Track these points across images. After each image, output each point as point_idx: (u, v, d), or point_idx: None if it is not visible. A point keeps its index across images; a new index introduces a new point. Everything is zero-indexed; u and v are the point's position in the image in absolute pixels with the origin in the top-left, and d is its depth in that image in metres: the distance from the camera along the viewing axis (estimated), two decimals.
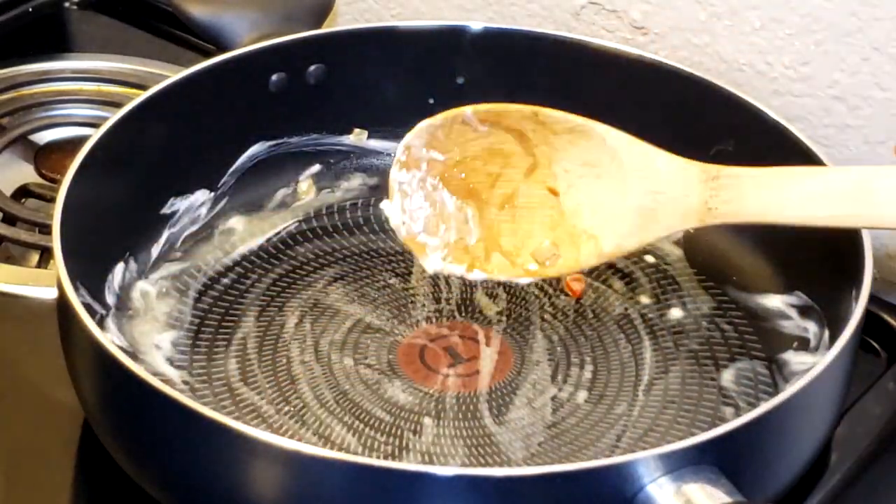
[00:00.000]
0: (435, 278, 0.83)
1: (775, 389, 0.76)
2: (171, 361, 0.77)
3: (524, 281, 0.75)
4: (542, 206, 0.74)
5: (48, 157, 0.97)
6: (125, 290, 0.80)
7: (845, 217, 0.69)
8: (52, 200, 0.80)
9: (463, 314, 0.81)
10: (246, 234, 0.86)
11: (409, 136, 0.74)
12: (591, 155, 0.72)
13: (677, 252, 0.86)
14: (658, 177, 0.70)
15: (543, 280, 0.84)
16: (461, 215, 0.74)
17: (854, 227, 0.72)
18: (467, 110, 0.73)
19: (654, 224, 0.70)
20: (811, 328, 0.79)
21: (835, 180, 0.69)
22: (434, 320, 0.81)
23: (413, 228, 0.74)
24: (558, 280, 0.84)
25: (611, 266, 0.85)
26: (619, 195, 0.71)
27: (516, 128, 0.73)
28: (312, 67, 0.88)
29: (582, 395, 0.77)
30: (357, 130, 0.90)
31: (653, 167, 0.70)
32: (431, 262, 0.75)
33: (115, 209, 0.80)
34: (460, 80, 0.89)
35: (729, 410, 0.76)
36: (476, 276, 0.75)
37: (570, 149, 0.72)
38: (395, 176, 0.74)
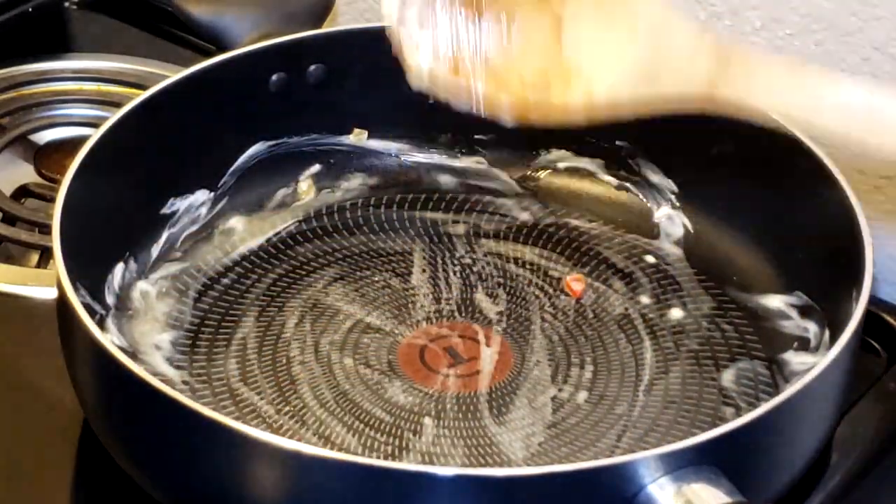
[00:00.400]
0: (434, 278, 0.83)
1: (775, 389, 0.76)
2: (170, 362, 0.77)
3: (508, 121, 0.69)
4: (542, 30, 0.68)
5: (48, 157, 0.97)
6: (125, 290, 0.80)
7: (849, 136, 0.66)
8: (52, 200, 0.80)
9: (463, 314, 0.81)
10: (246, 234, 0.86)
11: None
12: None
13: (677, 252, 0.86)
14: (670, 35, 0.66)
15: (543, 280, 0.84)
16: (458, 21, 0.69)
17: (854, 148, 0.68)
18: None
19: (653, 82, 0.67)
20: (811, 328, 0.79)
21: (851, 96, 0.66)
22: (434, 320, 0.81)
23: (407, 23, 0.70)
24: (558, 280, 0.84)
25: (611, 266, 0.85)
26: (624, 42, 0.67)
27: None
28: (312, 67, 0.88)
29: (582, 395, 0.77)
30: (357, 130, 0.90)
31: (667, 25, 0.66)
32: (418, 62, 0.69)
33: (115, 209, 0.80)
34: None
35: (729, 410, 0.76)
36: (461, 95, 0.69)
37: None
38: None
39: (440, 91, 0.70)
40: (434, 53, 0.69)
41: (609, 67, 0.67)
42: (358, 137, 0.90)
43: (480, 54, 0.69)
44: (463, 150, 0.91)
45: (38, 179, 0.95)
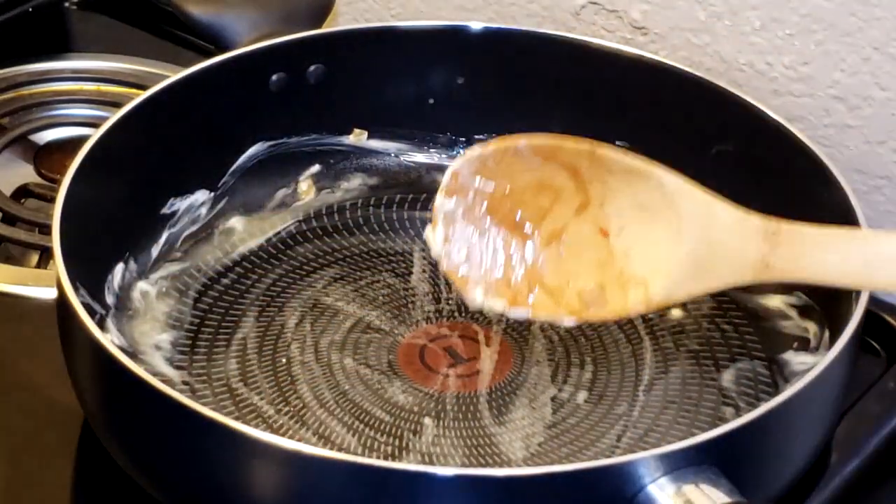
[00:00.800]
0: (435, 278, 0.83)
1: (775, 389, 0.76)
2: (170, 361, 0.77)
3: (568, 322, 0.72)
4: (591, 245, 0.70)
5: (48, 157, 0.97)
6: (125, 290, 0.80)
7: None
8: (52, 200, 0.80)
9: (463, 314, 0.81)
10: (246, 234, 0.86)
11: (458, 163, 0.70)
12: (646, 197, 0.68)
13: None
14: (716, 227, 0.67)
15: None
16: (506, 248, 0.71)
17: None
18: (521, 141, 0.70)
19: (707, 275, 0.67)
20: (811, 328, 0.79)
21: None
22: (434, 320, 0.81)
23: (455, 259, 0.71)
24: None
25: None
26: (672, 242, 0.68)
27: (571, 163, 0.69)
28: (312, 67, 0.88)
29: (582, 396, 0.77)
30: (357, 130, 0.90)
31: (711, 217, 0.67)
32: (472, 295, 0.72)
33: (115, 209, 0.80)
34: (460, 80, 0.89)
35: (729, 410, 0.76)
36: (517, 313, 0.72)
37: (626, 189, 0.69)
38: (441, 203, 0.70)
39: (496, 311, 0.72)
40: (486, 287, 0.71)
41: (663, 271, 0.68)
42: (358, 137, 0.90)
43: (533, 277, 0.71)
44: (463, 150, 0.91)
45: (38, 179, 0.95)
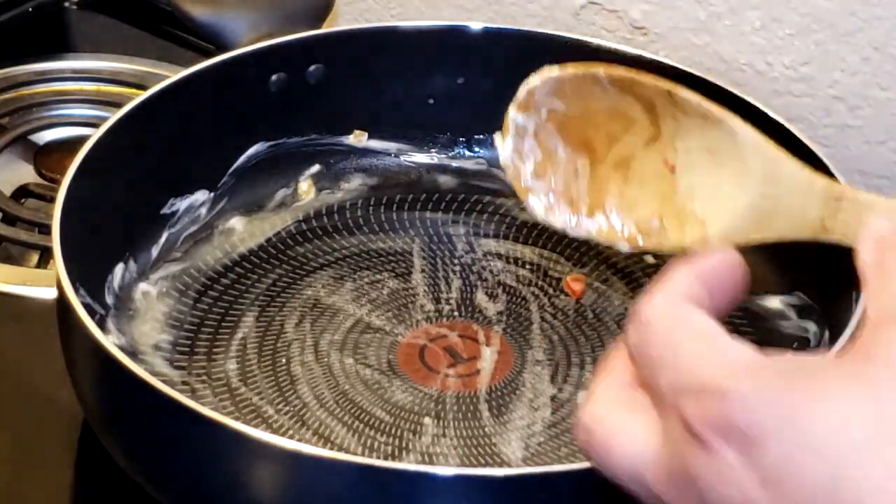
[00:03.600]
0: (434, 277, 0.84)
1: None
2: (170, 362, 0.77)
3: (623, 247, 0.71)
4: (656, 178, 0.70)
5: (48, 157, 0.97)
6: (125, 290, 0.80)
7: None
8: (52, 200, 0.80)
9: (463, 314, 0.81)
10: (246, 234, 0.86)
11: (534, 80, 0.70)
12: (717, 143, 0.68)
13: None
14: (781, 184, 0.67)
15: (543, 280, 0.84)
16: (572, 167, 0.71)
17: None
18: (600, 70, 0.69)
19: (765, 226, 0.67)
20: (811, 328, 0.79)
21: None
22: (434, 320, 0.81)
23: (522, 171, 0.71)
24: (558, 280, 0.84)
25: (611, 266, 0.85)
26: (736, 188, 0.67)
27: (647, 97, 0.69)
28: (312, 67, 0.88)
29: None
30: (357, 132, 0.90)
31: (777, 173, 0.67)
32: (534, 207, 0.72)
33: (115, 209, 0.80)
34: (460, 80, 0.89)
35: None
36: (577, 231, 0.71)
37: (697, 132, 0.69)
38: (513, 115, 0.71)
39: (556, 226, 0.72)
40: (548, 201, 0.71)
41: (722, 215, 0.68)
42: (358, 139, 0.90)
43: (596, 199, 0.71)
44: (463, 150, 0.91)
45: (38, 179, 0.95)
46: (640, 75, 0.69)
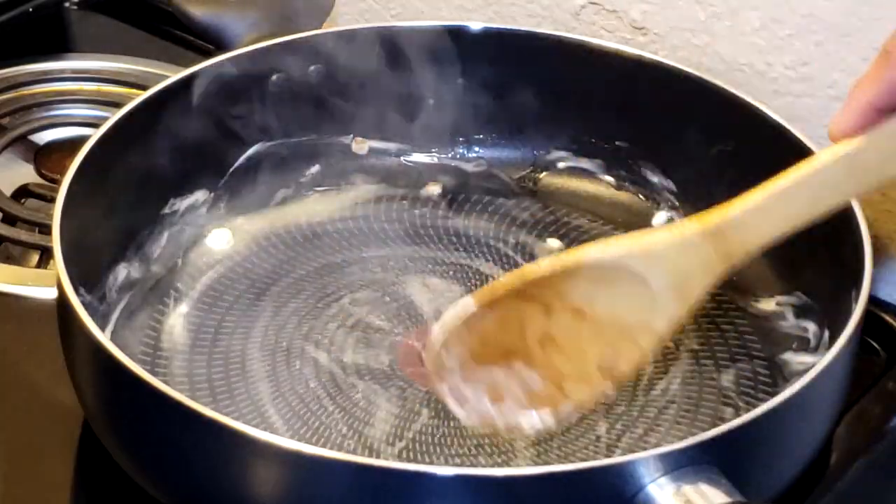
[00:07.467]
0: (434, 278, 0.84)
1: (775, 389, 0.76)
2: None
3: (610, 392, 0.71)
4: (579, 328, 0.70)
5: (48, 157, 0.97)
6: (125, 290, 0.80)
7: (845, 199, 0.68)
8: (52, 200, 0.80)
9: None
10: (246, 234, 0.86)
11: (427, 360, 0.71)
12: (591, 276, 0.69)
13: None
14: (665, 258, 0.67)
15: None
16: (515, 370, 0.71)
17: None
18: (470, 306, 0.70)
19: (689, 290, 0.68)
20: (811, 328, 0.79)
21: (817, 175, 0.65)
22: (435, 320, 0.81)
23: (486, 413, 0.71)
24: None
25: None
26: (640, 288, 0.68)
27: (512, 300, 0.70)
28: (312, 67, 0.88)
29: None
30: (358, 139, 0.90)
31: (654, 255, 0.67)
32: (527, 429, 0.71)
33: (115, 209, 0.80)
34: (460, 80, 0.89)
35: (729, 410, 0.76)
36: (567, 412, 0.71)
37: (571, 282, 0.69)
38: (440, 388, 0.71)
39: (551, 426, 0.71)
40: (527, 415, 0.71)
41: (654, 314, 0.68)
42: (360, 146, 0.91)
43: (554, 380, 0.70)
44: (463, 151, 0.91)
45: (38, 179, 0.95)
46: (493, 288, 0.69)
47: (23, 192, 0.94)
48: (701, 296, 0.68)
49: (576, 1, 0.96)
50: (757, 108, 0.83)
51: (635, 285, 0.68)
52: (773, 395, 0.74)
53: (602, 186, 0.90)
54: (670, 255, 0.67)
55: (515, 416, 0.70)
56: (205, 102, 0.84)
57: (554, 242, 0.87)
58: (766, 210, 0.66)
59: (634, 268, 0.67)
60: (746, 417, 0.65)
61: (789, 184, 0.65)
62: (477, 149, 0.91)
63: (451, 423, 0.75)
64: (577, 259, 0.68)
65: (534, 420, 0.70)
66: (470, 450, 0.73)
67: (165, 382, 0.66)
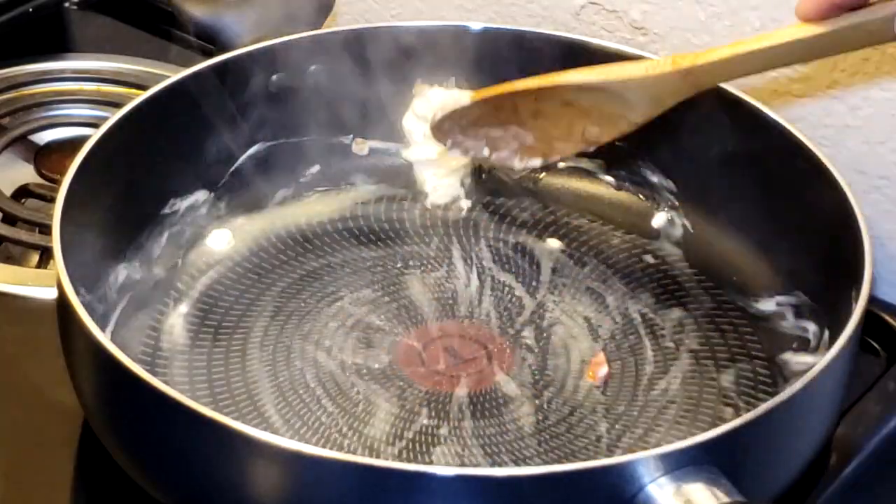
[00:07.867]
0: (433, 277, 0.84)
1: (775, 389, 0.76)
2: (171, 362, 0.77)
3: (591, 149, 0.82)
4: (565, 110, 0.80)
5: (48, 157, 0.97)
6: (125, 290, 0.80)
7: (798, 62, 0.83)
8: (52, 200, 0.80)
9: (462, 314, 0.81)
10: (246, 234, 0.86)
11: (431, 128, 0.82)
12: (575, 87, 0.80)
13: (677, 252, 0.86)
14: (641, 86, 0.77)
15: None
16: (510, 131, 0.81)
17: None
18: (465, 101, 0.81)
19: (661, 103, 0.78)
20: (811, 328, 0.79)
21: (777, 48, 0.75)
22: (434, 320, 0.81)
23: (488, 154, 0.83)
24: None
25: (611, 266, 0.85)
26: (618, 97, 0.78)
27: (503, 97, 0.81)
28: (312, 67, 0.88)
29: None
30: (359, 140, 0.90)
31: (630, 84, 0.78)
32: (513, 165, 0.83)
33: (116, 209, 0.80)
34: (460, 80, 0.89)
35: (729, 410, 0.76)
36: (553, 160, 0.83)
37: (557, 89, 0.80)
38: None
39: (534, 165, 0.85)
40: (519, 157, 0.84)
41: (630, 110, 0.79)
42: (360, 147, 0.91)
43: (543, 135, 0.82)
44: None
45: (38, 179, 0.95)
46: (487, 92, 0.81)
47: (23, 192, 0.94)
48: (672, 105, 0.78)
49: (576, 1, 0.96)
50: (757, 108, 0.83)
51: (614, 96, 0.78)
52: (773, 395, 0.74)
53: (602, 186, 0.90)
54: (646, 84, 0.77)
55: (510, 159, 0.83)
56: (205, 102, 0.84)
57: (554, 242, 0.87)
58: (731, 62, 0.75)
59: (613, 89, 0.78)
60: (746, 417, 0.65)
61: (752, 49, 0.74)
62: None
63: (452, 423, 0.75)
64: (563, 79, 0.79)
65: (525, 163, 0.83)
66: (470, 449, 0.73)
67: (165, 382, 0.66)
